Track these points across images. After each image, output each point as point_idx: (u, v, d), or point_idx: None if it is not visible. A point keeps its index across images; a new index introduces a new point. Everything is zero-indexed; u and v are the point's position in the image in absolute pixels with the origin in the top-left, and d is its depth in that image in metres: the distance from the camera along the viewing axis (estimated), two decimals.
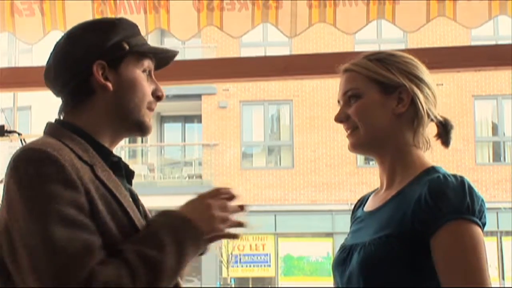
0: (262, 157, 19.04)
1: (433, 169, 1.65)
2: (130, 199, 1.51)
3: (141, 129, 1.58)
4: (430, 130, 1.74)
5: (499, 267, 17.14)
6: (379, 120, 1.68)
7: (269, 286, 18.22)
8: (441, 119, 1.73)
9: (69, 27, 2.75)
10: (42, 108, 17.62)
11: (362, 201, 1.84)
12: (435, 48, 2.84)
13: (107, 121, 1.54)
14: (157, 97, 1.60)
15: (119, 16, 2.68)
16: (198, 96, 18.44)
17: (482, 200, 1.59)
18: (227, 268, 18.02)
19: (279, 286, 17.98)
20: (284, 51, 17.00)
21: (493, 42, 15.22)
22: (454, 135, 1.74)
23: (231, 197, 1.51)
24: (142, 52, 1.57)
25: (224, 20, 2.67)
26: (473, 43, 15.69)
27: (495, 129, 18.54)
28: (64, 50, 1.55)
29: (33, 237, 1.33)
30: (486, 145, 18.51)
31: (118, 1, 2.70)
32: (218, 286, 18.04)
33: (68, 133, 1.51)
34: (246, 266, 18.34)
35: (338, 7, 2.61)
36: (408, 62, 1.72)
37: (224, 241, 17.88)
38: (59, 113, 1.58)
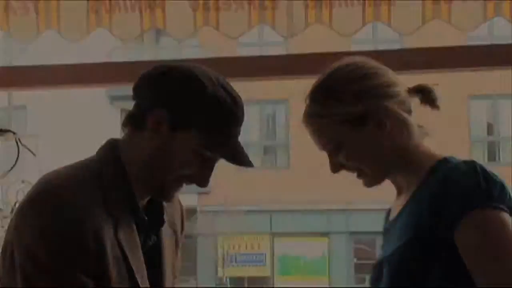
0: (258, 157, 19.04)
1: (439, 164, 1.55)
2: (143, 260, 1.49)
3: (160, 194, 1.51)
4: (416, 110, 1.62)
5: None
6: (376, 152, 1.57)
7: (265, 286, 18.22)
8: (416, 95, 1.62)
9: (63, 26, 2.75)
10: (37, 107, 17.59)
11: (389, 211, 1.73)
12: (432, 48, 2.82)
13: (144, 167, 1.47)
14: (191, 182, 1.51)
15: (114, 14, 2.68)
16: None
17: (501, 184, 1.51)
18: (223, 267, 18.01)
19: (275, 285, 17.98)
20: (280, 51, 17.00)
21: (488, 42, 15.23)
22: (437, 93, 1.64)
23: None
24: (208, 138, 1.47)
25: (220, 20, 2.67)
26: (469, 42, 15.70)
27: (490, 129, 18.58)
28: (158, 75, 1.49)
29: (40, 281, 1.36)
30: (481, 145, 18.55)
31: (113, 1, 2.69)
32: (213, 286, 18.02)
33: (114, 172, 1.46)
34: (242, 265, 18.34)
35: (334, 8, 2.61)
36: (355, 77, 1.57)
37: (219, 241, 17.90)
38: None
